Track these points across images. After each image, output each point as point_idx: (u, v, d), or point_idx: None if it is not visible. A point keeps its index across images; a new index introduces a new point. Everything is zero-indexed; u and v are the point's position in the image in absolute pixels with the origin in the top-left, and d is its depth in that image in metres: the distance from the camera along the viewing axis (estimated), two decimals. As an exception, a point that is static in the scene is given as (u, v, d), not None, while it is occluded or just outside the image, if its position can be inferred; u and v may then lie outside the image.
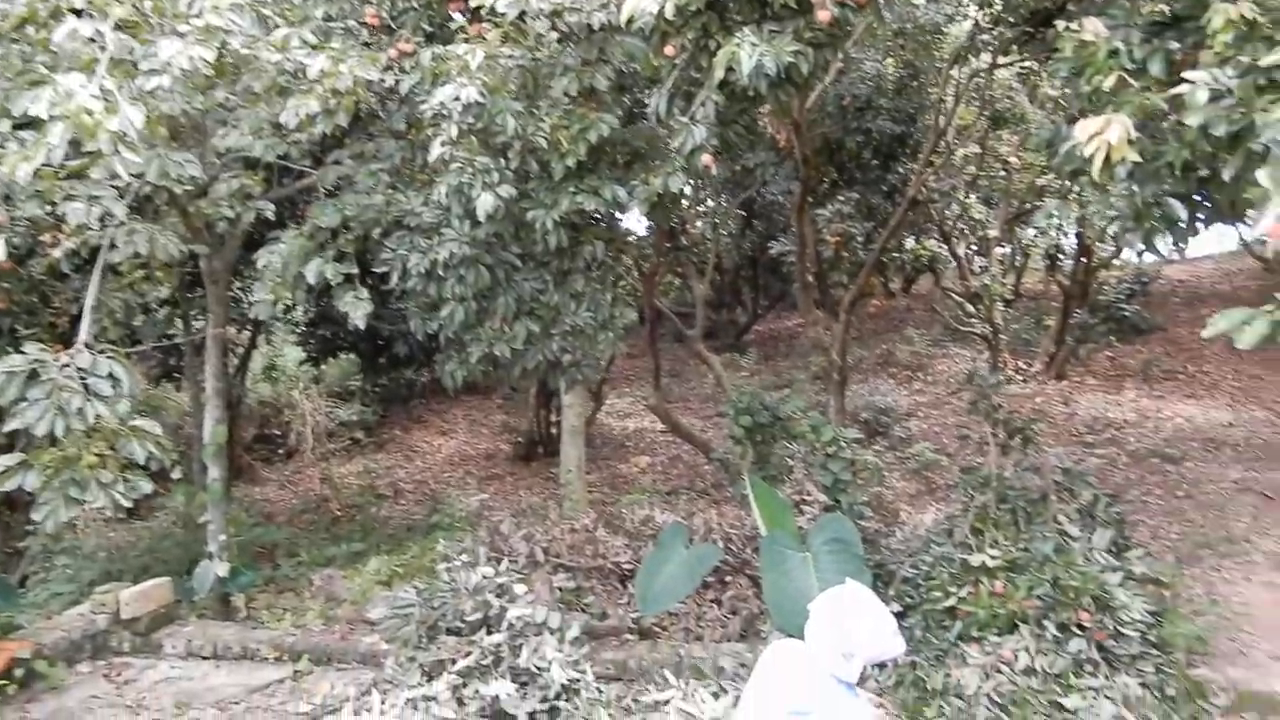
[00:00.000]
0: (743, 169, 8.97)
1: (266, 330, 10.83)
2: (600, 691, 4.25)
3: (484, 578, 4.33)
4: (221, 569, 5.90)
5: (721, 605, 6.12)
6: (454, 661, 4.08)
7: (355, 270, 4.51)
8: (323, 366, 12.62)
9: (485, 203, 3.97)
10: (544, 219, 4.25)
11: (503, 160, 4.19)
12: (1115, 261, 13.18)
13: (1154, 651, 4.50)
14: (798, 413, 8.10)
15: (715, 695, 4.07)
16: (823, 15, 3.88)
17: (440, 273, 4.25)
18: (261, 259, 4.52)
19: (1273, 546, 6.45)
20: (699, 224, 11.56)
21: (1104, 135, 2.89)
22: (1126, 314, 12.17)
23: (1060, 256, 13.76)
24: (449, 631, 4.38)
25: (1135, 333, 14.88)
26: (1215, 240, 21.09)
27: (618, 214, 4.77)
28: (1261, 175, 2.32)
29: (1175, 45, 2.96)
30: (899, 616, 4.90)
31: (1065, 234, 12.00)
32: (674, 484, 10.73)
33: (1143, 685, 4.27)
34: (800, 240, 7.75)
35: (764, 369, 16.29)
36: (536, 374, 4.94)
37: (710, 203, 12.24)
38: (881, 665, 4.66)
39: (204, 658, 5.64)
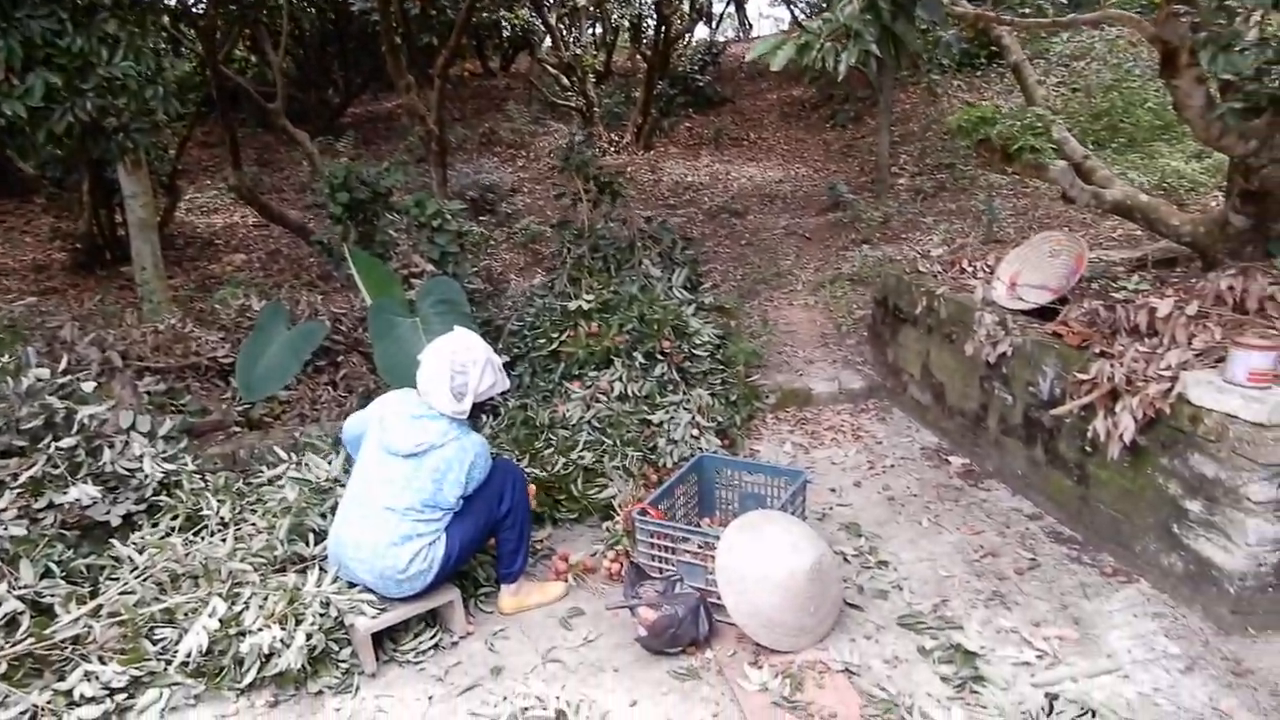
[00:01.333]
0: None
1: None
2: (206, 481, 4.00)
3: (39, 380, 3.74)
4: None
5: (336, 386, 6.00)
6: (15, 477, 3.55)
7: None
8: None
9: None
10: (39, -64, 3.37)
11: None
12: (690, 37, 14.02)
13: (721, 367, 5.28)
14: (399, 186, 7.82)
15: (329, 461, 4.04)
16: None
17: (-104, 4, 3.24)
18: None
19: (809, 276, 7.75)
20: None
21: None
22: (701, 85, 13.19)
23: (643, 29, 14.30)
24: (3, 454, 3.78)
25: (709, 105, 16.35)
26: (773, 24, 23.35)
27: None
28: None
29: None
30: (508, 366, 5.17)
31: (647, 7, 12.43)
32: (276, 279, 10.00)
33: (712, 395, 5.01)
34: (383, -7, 7.12)
35: (364, 153, 15.40)
36: (74, 142, 4.12)
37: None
38: (495, 412, 4.94)
39: None
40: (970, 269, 5.52)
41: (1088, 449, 3.82)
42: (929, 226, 8.06)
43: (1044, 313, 4.52)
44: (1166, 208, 4.85)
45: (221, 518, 3.67)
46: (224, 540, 3.49)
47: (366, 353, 5.99)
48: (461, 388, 3.31)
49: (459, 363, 3.32)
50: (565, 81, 13.24)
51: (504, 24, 14.93)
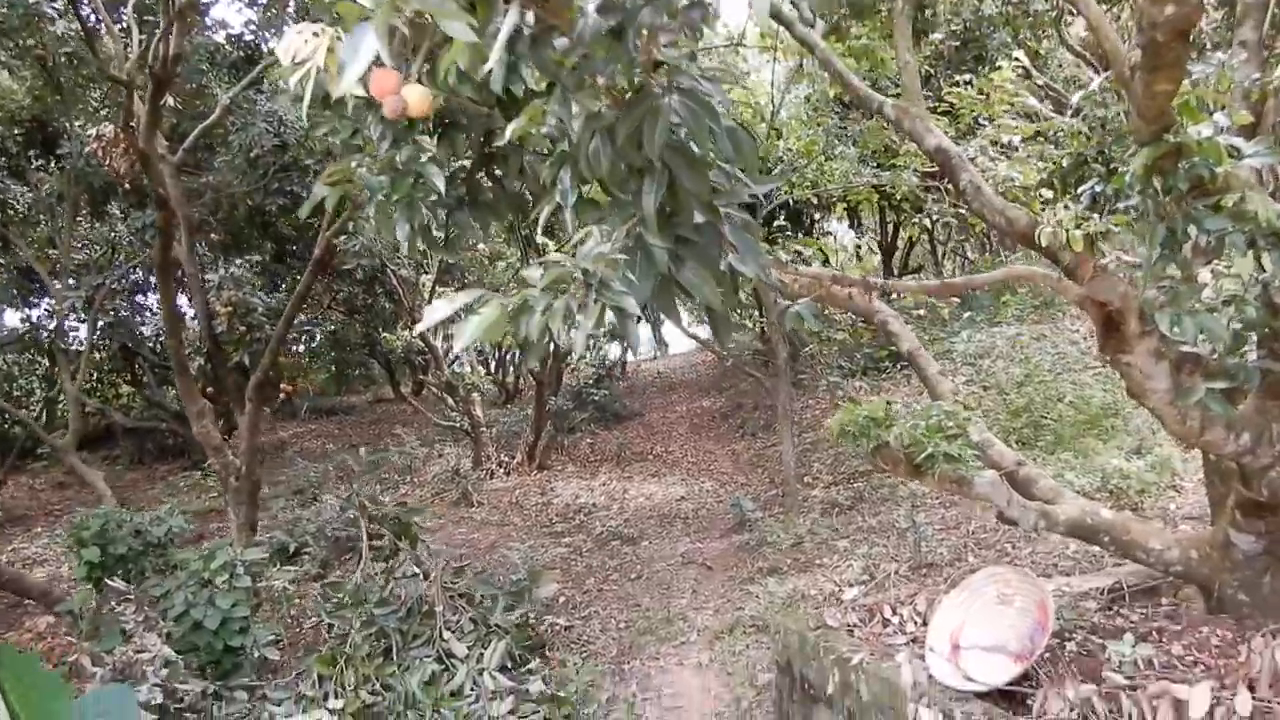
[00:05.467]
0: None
1: None
2: None
3: None
4: None
5: None
6: None
7: None
8: None
9: None
10: None
11: None
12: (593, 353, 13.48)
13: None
14: (183, 533, 6.29)
15: None
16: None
17: None
18: None
19: (707, 621, 6.16)
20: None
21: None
22: (597, 399, 12.36)
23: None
24: None
25: (617, 420, 15.54)
26: (682, 341, 23.76)
27: None
28: None
29: None
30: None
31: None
32: None
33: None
34: (168, 310, 6.02)
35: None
36: None
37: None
38: None
39: None
40: (895, 618, 4.06)
41: None
42: (846, 550, 6.67)
43: (1007, 692, 3.02)
44: (1140, 526, 3.56)
45: None
46: None
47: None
48: None
49: None
50: (451, 402, 12.27)
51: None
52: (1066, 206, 2.64)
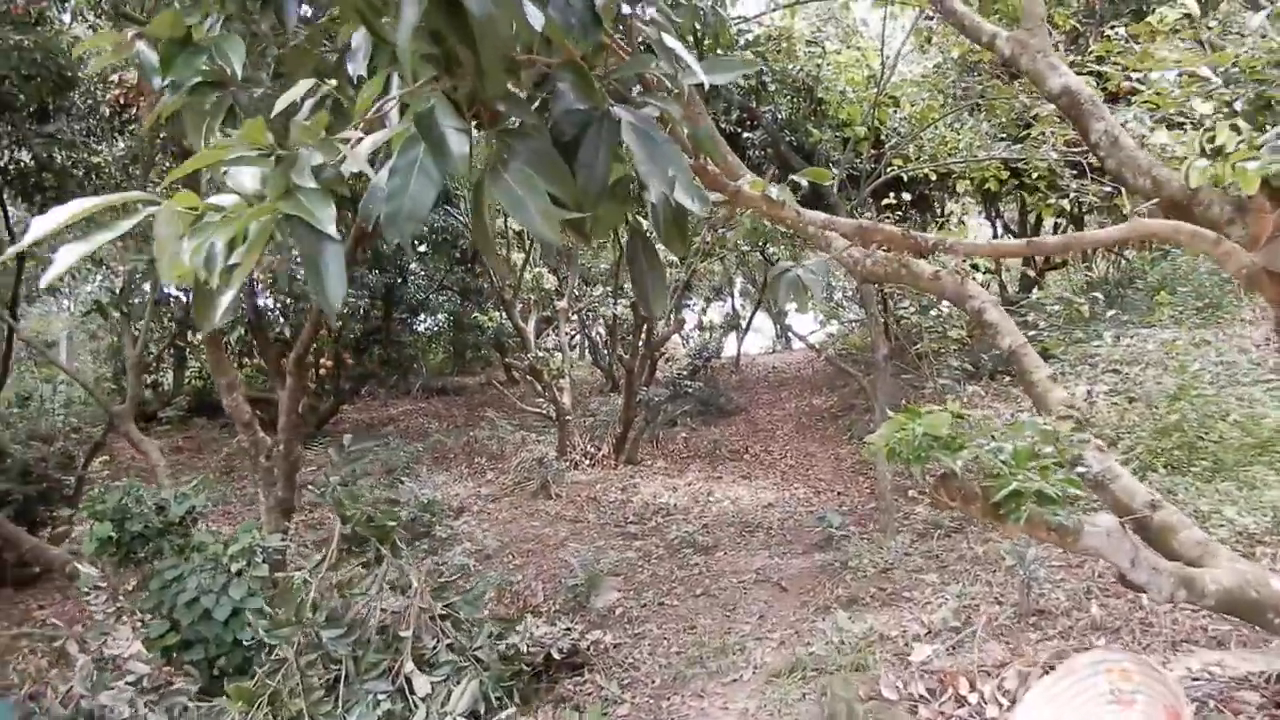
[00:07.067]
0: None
1: None
2: None
3: None
4: None
5: None
6: None
7: None
8: None
9: None
10: None
11: None
12: (679, 338, 12.71)
13: None
14: (200, 510, 5.95)
15: None
16: None
17: None
18: None
19: (767, 656, 5.30)
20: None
21: None
22: (691, 391, 11.58)
23: (620, 334, 13.02)
24: None
25: (720, 414, 14.71)
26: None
27: None
28: None
29: None
30: None
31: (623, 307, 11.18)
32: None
33: None
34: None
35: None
36: None
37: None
38: None
39: None
40: (974, 695, 3.14)
41: None
42: (938, 585, 5.65)
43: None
44: (1331, 609, 2.52)
45: None
46: None
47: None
48: None
49: None
50: (539, 387, 11.78)
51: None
52: (1234, 127, 1.70)
